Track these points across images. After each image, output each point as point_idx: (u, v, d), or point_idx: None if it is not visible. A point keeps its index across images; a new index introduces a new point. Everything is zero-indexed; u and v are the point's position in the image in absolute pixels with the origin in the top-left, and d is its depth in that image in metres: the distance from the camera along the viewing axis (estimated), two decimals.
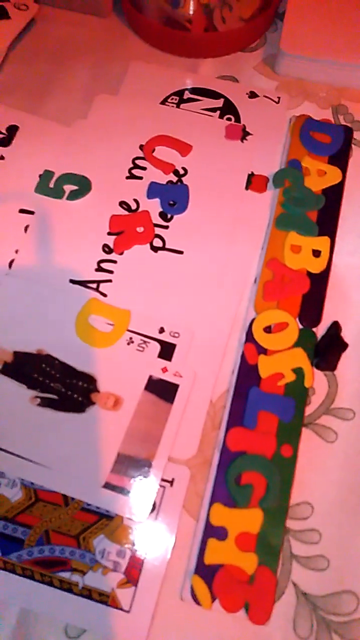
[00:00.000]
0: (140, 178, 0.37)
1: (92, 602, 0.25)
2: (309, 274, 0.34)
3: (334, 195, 0.36)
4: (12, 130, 0.40)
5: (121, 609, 0.25)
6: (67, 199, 0.36)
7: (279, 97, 0.41)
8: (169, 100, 0.41)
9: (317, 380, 0.31)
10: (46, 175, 0.37)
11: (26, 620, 0.25)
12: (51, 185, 0.37)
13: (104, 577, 0.26)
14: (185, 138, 0.39)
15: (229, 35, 0.43)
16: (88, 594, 0.25)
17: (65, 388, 0.30)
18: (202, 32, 0.42)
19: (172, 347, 0.31)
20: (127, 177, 0.37)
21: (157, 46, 0.45)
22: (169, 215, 0.36)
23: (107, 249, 0.34)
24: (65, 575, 0.26)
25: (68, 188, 0.36)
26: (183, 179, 0.37)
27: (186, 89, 0.42)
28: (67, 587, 0.26)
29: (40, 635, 0.25)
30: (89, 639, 0.25)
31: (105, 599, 0.25)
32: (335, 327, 0.32)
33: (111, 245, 0.34)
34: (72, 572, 0.26)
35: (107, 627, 0.25)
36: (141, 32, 0.45)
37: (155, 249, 0.34)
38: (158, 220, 0.35)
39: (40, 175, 0.37)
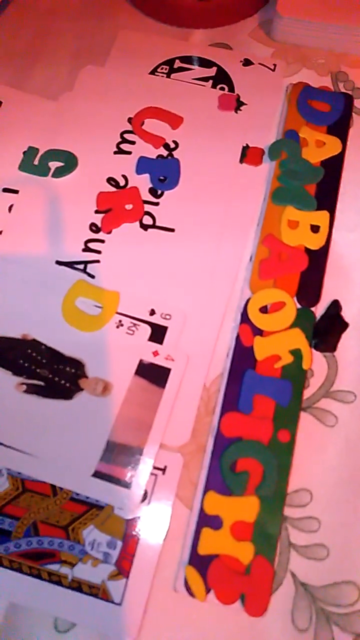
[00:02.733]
0: (129, 153, 0.35)
1: (82, 595, 0.24)
2: (307, 250, 0.32)
3: (333, 167, 0.35)
4: None
5: (112, 602, 0.24)
6: (53, 176, 0.35)
7: (274, 65, 0.39)
8: (158, 70, 0.39)
9: (316, 361, 0.29)
10: (30, 152, 0.35)
11: (14, 614, 0.24)
12: (36, 162, 0.35)
13: (94, 569, 0.25)
14: (176, 110, 0.37)
15: (224, 5, 0.40)
16: (78, 586, 0.25)
17: (52, 374, 0.29)
18: (195, 1, 0.40)
19: (163, 329, 0.30)
20: (115, 152, 0.35)
21: (148, 13, 0.42)
22: (159, 192, 0.34)
23: (94, 228, 0.33)
24: (54, 567, 0.25)
25: (53, 165, 0.35)
26: (174, 152, 0.35)
27: (177, 58, 0.39)
28: (56, 580, 0.25)
29: (29, 630, 0.24)
30: (80, 633, 0.24)
31: (95, 591, 0.24)
32: (335, 306, 0.31)
33: (99, 224, 0.33)
34: (61, 564, 0.25)
35: (98, 620, 0.24)
36: None
37: (145, 227, 0.33)
38: (148, 196, 0.34)
39: (24, 152, 0.35)
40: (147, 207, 0.33)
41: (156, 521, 0.26)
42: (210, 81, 0.38)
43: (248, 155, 0.35)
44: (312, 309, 0.30)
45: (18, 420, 0.28)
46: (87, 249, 0.32)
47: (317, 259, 0.32)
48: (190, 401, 0.28)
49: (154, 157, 0.35)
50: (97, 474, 0.26)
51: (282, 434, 0.27)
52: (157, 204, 0.34)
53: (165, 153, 0.35)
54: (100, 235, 0.33)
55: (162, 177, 0.34)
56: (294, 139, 0.35)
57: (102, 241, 0.32)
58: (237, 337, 0.29)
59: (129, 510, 0.26)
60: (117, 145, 0.36)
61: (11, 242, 0.32)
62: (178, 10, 0.41)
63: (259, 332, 0.30)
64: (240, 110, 0.37)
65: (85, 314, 0.30)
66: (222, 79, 0.39)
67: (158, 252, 0.32)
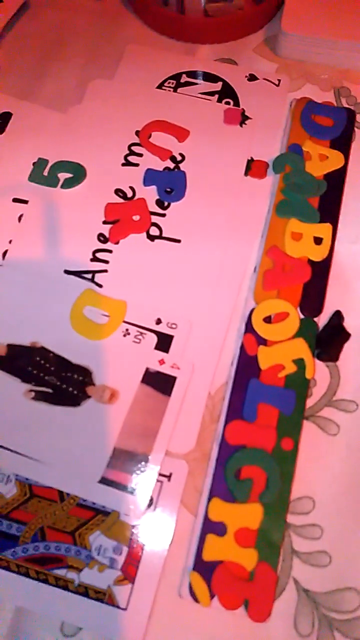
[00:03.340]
0: (136, 165, 0.36)
1: (88, 600, 0.25)
2: (310, 262, 0.33)
3: (336, 181, 0.35)
4: (6, 117, 0.39)
5: (118, 607, 0.25)
6: (62, 187, 0.35)
7: (279, 80, 0.40)
8: (165, 84, 0.40)
9: (319, 371, 0.30)
10: (40, 163, 0.36)
11: (21, 618, 0.25)
12: (45, 173, 0.36)
13: (100, 574, 0.25)
14: (183, 123, 0.37)
15: (230, 21, 0.41)
16: (84, 591, 0.25)
17: (60, 381, 0.29)
18: (201, 17, 0.41)
19: (169, 338, 0.30)
20: (123, 164, 0.36)
21: (156, 29, 0.43)
22: (165, 203, 0.35)
23: (102, 238, 0.33)
24: (61, 572, 0.25)
25: (62, 176, 0.36)
26: (180, 165, 0.36)
27: (183, 73, 0.40)
28: (63, 585, 0.25)
29: (36, 634, 0.24)
30: (86, 637, 0.24)
31: (101, 596, 0.25)
32: (337, 316, 0.31)
33: (107, 235, 0.33)
34: (68, 569, 0.25)
35: (104, 625, 0.24)
36: (139, 13, 0.44)
37: (151, 237, 0.34)
38: (155, 208, 0.34)
39: (34, 164, 0.36)
40: (154, 218, 0.34)
41: (161, 527, 0.26)
42: (216, 96, 0.39)
43: (253, 168, 0.36)
44: (315, 319, 0.31)
45: (26, 426, 0.28)
46: (95, 259, 0.33)
47: (320, 270, 0.32)
48: (195, 409, 0.29)
49: (161, 169, 0.36)
50: (104, 480, 0.27)
51: (285, 442, 0.27)
52: (163, 215, 0.34)
53: (171, 165, 0.36)
54: (108, 246, 0.33)
55: (168, 189, 0.35)
56: (298, 153, 0.36)
57: (110, 251, 0.33)
58: (242, 347, 0.30)
59: (135, 516, 0.26)
60: (125, 157, 0.36)
61: (21, 251, 0.33)
62: (185, 26, 0.42)
63: (263, 341, 0.30)
64: (245, 124, 0.38)
65: (93, 322, 0.31)
66: (227, 93, 0.39)
67: (164, 262, 0.33)
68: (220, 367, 0.30)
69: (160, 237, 0.34)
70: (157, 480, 0.27)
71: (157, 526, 0.26)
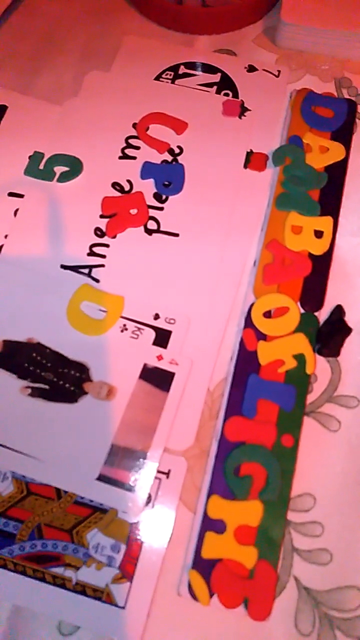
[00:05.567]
0: (134, 158, 0.36)
1: (86, 598, 0.24)
2: (311, 255, 0.32)
3: (337, 173, 0.35)
4: (1, 110, 0.38)
5: (116, 605, 0.24)
6: (58, 181, 0.35)
7: (278, 71, 0.39)
8: (163, 75, 0.39)
9: (320, 366, 0.29)
10: (36, 156, 0.36)
11: (18, 617, 0.24)
12: (41, 167, 0.35)
13: (98, 572, 0.25)
14: (181, 115, 0.37)
15: (228, 11, 0.41)
16: (82, 589, 0.25)
17: (57, 377, 0.29)
18: (199, 7, 0.40)
19: (167, 334, 0.30)
20: (120, 157, 0.36)
21: (153, 19, 0.43)
22: (163, 196, 0.34)
23: (99, 232, 0.33)
24: (58, 570, 0.25)
25: (59, 170, 0.35)
26: (178, 158, 0.36)
27: (181, 64, 0.40)
28: (61, 583, 0.25)
29: (33, 633, 0.24)
30: (83, 636, 0.24)
31: (99, 594, 0.25)
32: (338, 311, 0.31)
33: (104, 229, 0.33)
34: (65, 568, 0.25)
35: (102, 623, 0.24)
36: (136, 3, 0.43)
37: (149, 231, 0.33)
38: (152, 201, 0.34)
39: (29, 157, 0.36)
40: (151, 212, 0.34)
41: (160, 525, 0.26)
42: (215, 87, 0.39)
43: (252, 160, 0.35)
44: (316, 314, 0.31)
45: (22, 423, 0.28)
46: (92, 254, 0.32)
47: (321, 264, 0.32)
48: (194, 405, 0.28)
49: (159, 162, 0.35)
50: (101, 478, 0.26)
51: (285, 439, 0.27)
52: (161, 208, 0.34)
53: (169, 158, 0.36)
54: (105, 240, 0.33)
55: (166, 182, 0.35)
56: (298, 145, 0.35)
57: (107, 245, 0.33)
58: (241, 342, 0.30)
59: (133, 513, 0.26)
60: (122, 150, 0.36)
61: (17, 246, 0.33)
62: (183, 17, 0.41)
63: (262, 336, 0.30)
64: (245, 116, 0.37)
65: (90, 317, 0.30)
66: (226, 84, 0.39)
67: (162, 256, 0.32)
68: (220, 362, 0.30)
69: (158, 231, 0.33)
70: (156, 478, 0.27)
71: (156, 524, 0.26)
